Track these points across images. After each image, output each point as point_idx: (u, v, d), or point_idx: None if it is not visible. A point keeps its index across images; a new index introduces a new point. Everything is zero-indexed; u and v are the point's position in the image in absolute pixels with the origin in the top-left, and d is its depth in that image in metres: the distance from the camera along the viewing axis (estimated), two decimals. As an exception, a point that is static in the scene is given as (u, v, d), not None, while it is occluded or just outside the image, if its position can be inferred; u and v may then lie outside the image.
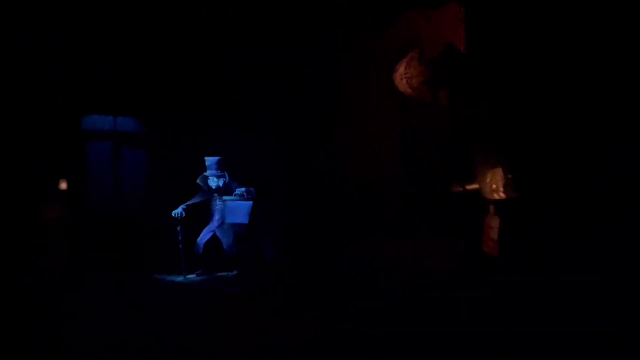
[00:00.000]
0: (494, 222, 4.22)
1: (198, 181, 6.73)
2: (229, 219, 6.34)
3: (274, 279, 6.34)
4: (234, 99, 6.98)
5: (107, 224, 6.75)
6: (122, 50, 6.66)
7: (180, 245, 6.51)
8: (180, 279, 6.50)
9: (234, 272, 6.67)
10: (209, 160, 6.69)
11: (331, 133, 7.20)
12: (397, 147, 7.70)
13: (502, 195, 4.15)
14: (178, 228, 6.50)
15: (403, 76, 5.25)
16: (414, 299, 5.08)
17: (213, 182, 6.65)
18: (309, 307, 5.13)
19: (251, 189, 6.55)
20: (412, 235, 7.26)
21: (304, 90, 7.02)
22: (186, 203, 6.61)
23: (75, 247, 6.30)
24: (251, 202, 6.34)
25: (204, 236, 6.70)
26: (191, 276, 6.59)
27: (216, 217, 6.74)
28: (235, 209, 6.29)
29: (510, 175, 4.13)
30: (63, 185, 6.32)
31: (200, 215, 6.73)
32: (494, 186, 4.21)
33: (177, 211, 6.46)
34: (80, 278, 6.06)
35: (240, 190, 6.45)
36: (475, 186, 4.52)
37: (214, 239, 6.73)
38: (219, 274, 6.74)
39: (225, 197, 6.48)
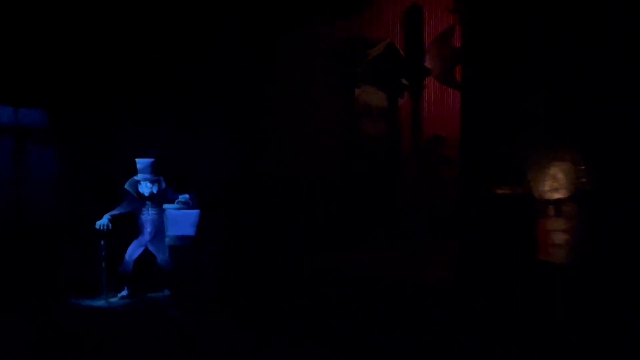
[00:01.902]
0: (556, 225, 3.81)
1: (126, 187, 5.69)
2: (172, 231, 5.40)
3: (217, 299, 5.52)
4: (163, 89, 6.04)
5: (6, 238, 5.44)
6: (24, 25, 5.47)
7: (103, 263, 5.42)
8: (101, 302, 5.42)
9: (166, 292, 5.73)
10: (142, 162, 5.69)
11: (275, 131, 6.58)
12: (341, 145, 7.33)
13: (564, 193, 3.78)
14: (102, 242, 5.41)
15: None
16: (388, 315, 4.65)
17: (146, 188, 5.66)
18: (261, 332, 4.46)
19: (190, 195, 5.67)
20: (381, 241, 6.94)
21: (244, 82, 6.30)
22: (111, 212, 5.54)
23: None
24: (198, 211, 5.46)
25: (133, 251, 5.67)
26: (114, 299, 5.54)
27: (148, 229, 5.74)
28: (179, 219, 5.37)
29: (583, 167, 3.70)
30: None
31: (128, 226, 5.70)
32: (555, 184, 3.83)
33: (102, 222, 5.39)
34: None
35: (184, 197, 5.54)
36: (516, 188, 4.11)
37: (144, 253, 5.73)
38: (149, 294, 5.75)
39: (166, 205, 5.52)
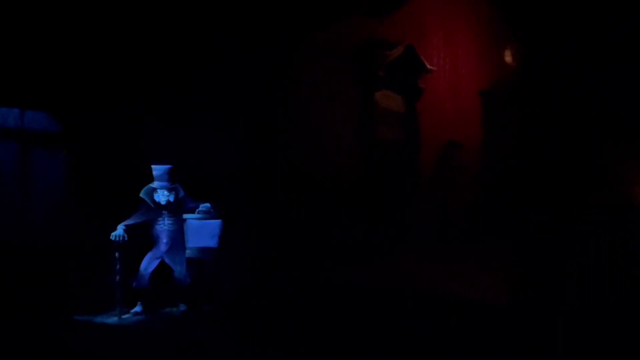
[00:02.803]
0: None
1: (142, 195, 5.33)
2: (193, 243, 5.03)
3: (237, 316, 5.15)
4: (180, 93, 5.69)
5: (11, 251, 5.04)
6: (30, 23, 5.11)
7: (117, 277, 5.04)
8: (113, 320, 5.04)
9: (183, 308, 5.35)
10: (158, 169, 5.33)
11: (294, 138, 6.24)
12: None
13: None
14: (116, 254, 5.04)
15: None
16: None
17: (162, 197, 5.29)
18: (286, 353, 4.10)
19: (210, 204, 5.31)
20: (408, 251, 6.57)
21: (263, 87, 5.97)
22: (125, 222, 5.17)
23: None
24: (220, 221, 5.11)
25: (148, 264, 5.29)
26: (127, 315, 5.15)
27: (164, 239, 5.37)
28: (200, 229, 5.02)
29: None
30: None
31: (142, 237, 5.32)
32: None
33: (118, 233, 5.02)
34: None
35: (204, 206, 5.18)
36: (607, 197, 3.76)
37: (159, 267, 5.36)
38: (163, 310, 5.37)
39: (187, 215, 5.15)
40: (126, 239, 5.03)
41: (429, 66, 7.90)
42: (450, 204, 8.26)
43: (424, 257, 6.84)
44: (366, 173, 6.91)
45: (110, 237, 4.99)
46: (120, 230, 5.04)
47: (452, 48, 8.97)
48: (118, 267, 5.03)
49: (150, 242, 5.38)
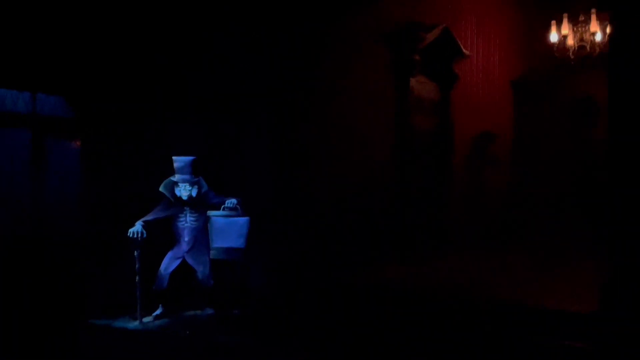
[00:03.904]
0: None
1: (162, 189, 4.92)
2: (218, 243, 4.61)
3: (267, 320, 4.75)
4: (204, 76, 5.23)
5: (24, 250, 4.66)
6: None
7: (137, 277, 4.65)
8: (134, 324, 4.66)
9: (208, 311, 4.96)
10: (180, 161, 4.91)
11: (324, 128, 5.78)
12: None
13: None
14: (136, 253, 4.64)
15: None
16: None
17: (184, 191, 4.88)
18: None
19: (236, 200, 4.89)
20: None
21: (289, 73, 5.50)
22: (144, 218, 4.77)
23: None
24: (247, 219, 4.68)
25: (169, 264, 4.90)
26: (148, 319, 4.78)
27: (185, 238, 4.96)
28: (226, 228, 4.59)
29: None
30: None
31: (162, 235, 4.92)
32: None
33: (136, 229, 4.62)
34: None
35: (231, 201, 4.75)
36: None
37: (181, 267, 4.96)
38: (187, 313, 4.99)
39: (211, 212, 4.73)
40: (145, 235, 4.63)
41: (465, 51, 7.40)
42: (484, 198, 7.81)
43: (463, 256, 6.42)
44: (400, 167, 6.44)
45: (128, 234, 4.60)
46: (138, 226, 4.64)
47: (485, 33, 8.48)
48: (137, 266, 4.64)
49: (171, 240, 5.00)
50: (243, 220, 4.69)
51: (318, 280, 4.99)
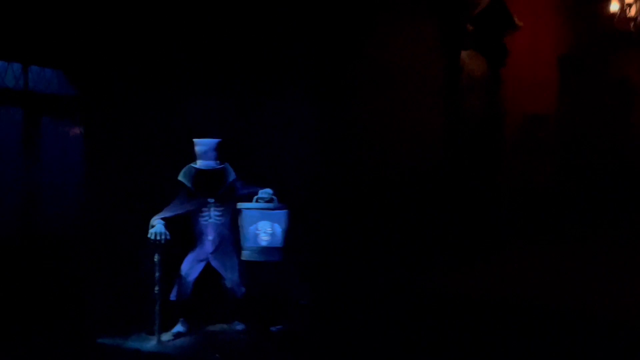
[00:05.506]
0: None
1: (181, 178, 4.08)
2: (251, 241, 3.77)
3: (312, 335, 3.88)
4: (228, 45, 4.35)
5: (14, 252, 3.82)
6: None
7: (156, 287, 3.80)
8: (151, 345, 3.81)
9: (238, 327, 4.11)
10: (202, 143, 4.07)
11: (368, 110, 4.92)
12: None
13: None
14: (156, 258, 3.80)
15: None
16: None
17: (208, 180, 4.04)
18: None
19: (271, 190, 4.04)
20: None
21: (328, 49, 4.62)
22: (162, 215, 3.93)
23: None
24: (286, 211, 3.84)
25: (190, 269, 4.05)
26: (167, 337, 3.94)
27: (210, 236, 4.11)
28: (260, 223, 3.74)
29: None
30: None
31: (182, 234, 4.08)
32: None
33: (158, 229, 3.78)
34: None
35: (265, 191, 3.90)
36: None
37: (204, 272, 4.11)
38: (212, 328, 4.14)
39: (241, 204, 3.89)
40: (169, 237, 3.79)
41: (518, 22, 6.53)
42: (536, 188, 6.96)
43: (519, 258, 5.55)
44: (450, 154, 5.57)
45: (149, 236, 3.76)
46: (160, 226, 3.79)
47: (532, 4, 7.64)
48: (158, 274, 3.78)
49: (192, 240, 4.16)
50: (281, 213, 3.84)
51: (371, 286, 4.12)
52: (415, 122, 5.43)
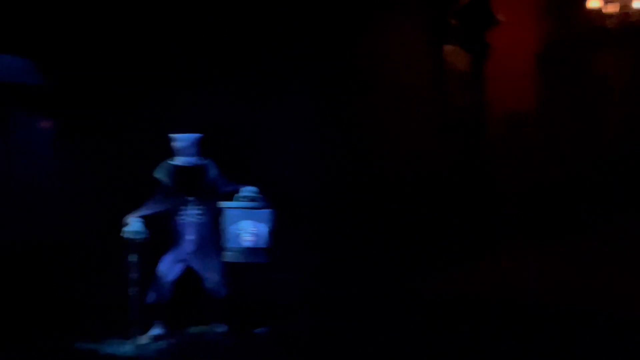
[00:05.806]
0: None
1: (157, 175, 3.90)
2: (234, 242, 3.63)
3: (303, 339, 3.76)
4: (218, 42, 4.18)
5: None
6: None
7: (132, 289, 3.63)
8: (127, 349, 3.65)
9: (220, 329, 3.97)
10: (182, 139, 3.90)
11: (361, 108, 4.82)
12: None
13: None
14: (134, 258, 3.63)
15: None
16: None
17: (187, 177, 3.88)
18: None
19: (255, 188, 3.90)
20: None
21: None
22: (139, 213, 3.76)
23: None
24: (270, 211, 3.70)
25: (169, 270, 3.88)
26: (145, 340, 3.77)
27: (190, 236, 3.95)
28: (243, 222, 3.60)
29: None
30: None
31: (159, 233, 3.91)
32: None
33: (134, 227, 3.60)
34: None
35: (248, 189, 3.76)
36: None
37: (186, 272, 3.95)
38: (191, 330, 3.99)
39: (224, 203, 3.74)
40: (148, 236, 3.62)
41: (499, 17, 6.51)
42: (523, 187, 6.98)
43: (515, 256, 5.54)
44: (439, 150, 5.50)
45: (125, 235, 3.58)
46: (137, 224, 3.62)
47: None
48: (135, 275, 3.62)
49: (171, 239, 3.99)
50: (265, 212, 3.71)
51: (361, 287, 4.02)
52: (409, 119, 5.36)
